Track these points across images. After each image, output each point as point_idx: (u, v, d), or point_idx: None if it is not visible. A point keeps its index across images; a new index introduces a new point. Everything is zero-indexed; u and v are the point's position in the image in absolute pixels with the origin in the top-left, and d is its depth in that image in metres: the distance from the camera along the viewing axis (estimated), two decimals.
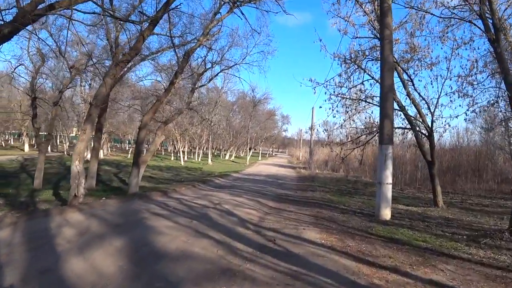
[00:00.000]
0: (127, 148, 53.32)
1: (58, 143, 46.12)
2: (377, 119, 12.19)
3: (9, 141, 51.22)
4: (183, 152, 42.27)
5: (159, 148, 64.49)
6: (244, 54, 17.83)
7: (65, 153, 36.64)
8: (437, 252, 5.33)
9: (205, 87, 36.97)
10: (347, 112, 12.47)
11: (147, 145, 32.62)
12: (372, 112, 12.73)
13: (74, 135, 47.66)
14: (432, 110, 10.25)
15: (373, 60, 11.10)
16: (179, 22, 14.03)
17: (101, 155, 35.50)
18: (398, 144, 19.42)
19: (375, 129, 12.27)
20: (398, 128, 11.79)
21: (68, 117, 26.98)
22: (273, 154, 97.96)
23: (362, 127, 12.84)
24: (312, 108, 34.04)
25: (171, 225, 6.26)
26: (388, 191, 8.36)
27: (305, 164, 40.36)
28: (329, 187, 16.31)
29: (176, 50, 12.98)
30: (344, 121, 12.62)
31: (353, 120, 12.83)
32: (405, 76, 10.70)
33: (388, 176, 8.39)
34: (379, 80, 9.49)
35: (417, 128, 11.09)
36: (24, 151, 36.42)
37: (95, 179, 13.83)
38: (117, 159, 34.05)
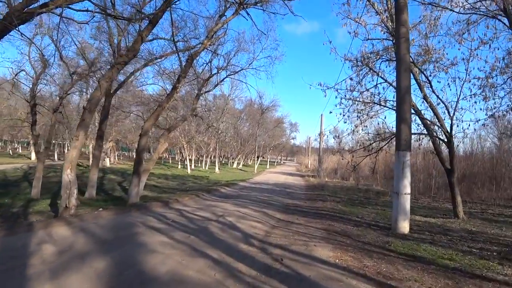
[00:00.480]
0: (134, 157, 53.13)
1: (66, 151, 46.09)
2: (391, 125, 11.49)
3: (18, 150, 51.45)
4: (190, 160, 41.85)
5: (166, 156, 64.31)
6: (251, 59, 17.37)
7: None
8: (468, 273, 4.59)
9: (212, 94, 36.65)
10: (359, 117, 11.79)
11: (150, 153, 32.29)
12: (385, 118, 12.21)
13: None
14: (451, 114, 9.49)
15: (387, 60, 10.41)
16: (184, 26, 13.59)
17: (108, 163, 35.28)
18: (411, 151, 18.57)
19: (388, 135, 11.56)
20: (414, 134, 11.05)
21: (71, 124, 26.70)
22: (282, 162, 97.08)
23: (375, 133, 12.13)
24: (321, 115, 33.40)
25: (166, 241, 5.61)
26: (407, 202, 7.62)
27: (314, 172, 39.51)
28: (339, 196, 15.52)
29: (180, 54, 12.49)
30: (356, 127, 11.92)
31: (365, 126, 12.11)
32: (421, 78, 9.98)
33: (407, 186, 7.66)
34: (395, 82, 8.84)
35: (435, 134, 10.33)
36: (31, 159, 36.34)
37: (96, 188, 13.31)
38: (124, 168, 33.72)
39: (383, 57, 11.24)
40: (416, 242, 6.49)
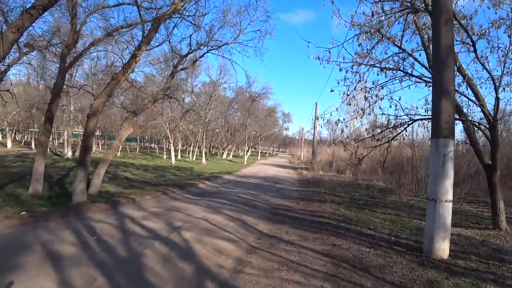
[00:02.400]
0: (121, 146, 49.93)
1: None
2: (409, 105, 8.95)
3: None
4: (176, 150, 39.09)
5: (153, 145, 61.32)
6: (237, 33, 14.55)
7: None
8: None
9: (201, 82, 33.74)
10: (367, 98, 9.25)
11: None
12: (399, 99, 9.43)
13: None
14: (498, 92, 6.95)
15: (416, 11, 7.61)
16: None
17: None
18: (420, 142, 16.14)
19: (404, 120, 9.07)
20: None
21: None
22: (274, 153, 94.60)
23: (392, 115, 9.57)
24: (316, 103, 30.85)
25: None
26: (447, 213, 5.17)
27: (307, 164, 37.08)
28: (339, 194, 13.04)
29: (142, 15, 9.79)
30: (363, 110, 9.39)
31: (373, 110, 9.57)
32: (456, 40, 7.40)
33: (448, 190, 5.19)
34: (416, 52, 6.30)
35: (469, 118, 7.86)
36: (6, 147, 33.27)
37: (42, 183, 10.63)
38: (103, 158, 30.88)
39: (400, 20, 8.66)
40: (469, 278, 4.08)
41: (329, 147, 39.53)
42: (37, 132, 41.42)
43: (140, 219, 6.52)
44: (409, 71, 8.90)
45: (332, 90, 9.32)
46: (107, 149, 43.30)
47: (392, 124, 9.13)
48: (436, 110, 5.35)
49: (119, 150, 37.95)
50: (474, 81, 7.29)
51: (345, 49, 15.45)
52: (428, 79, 8.08)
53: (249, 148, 51.56)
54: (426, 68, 8.62)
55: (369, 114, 9.42)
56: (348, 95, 9.24)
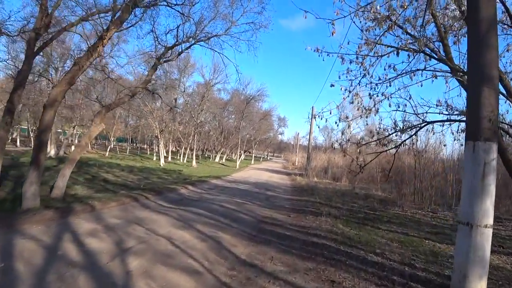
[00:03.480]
0: (112, 146, 47.94)
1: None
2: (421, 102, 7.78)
3: None
4: (167, 152, 37.57)
5: (145, 147, 59.38)
6: (229, 24, 13.19)
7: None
8: None
9: (195, 82, 32.35)
10: (372, 97, 7.90)
11: (106, 139, 27.64)
12: (410, 98, 8.04)
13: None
14: None
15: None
16: None
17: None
18: (430, 146, 14.83)
19: (415, 123, 7.75)
20: (450, 121, 7.37)
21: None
22: (268, 158, 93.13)
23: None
24: (312, 107, 29.51)
25: None
26: (487, 242, 3.82)
27: (302, 170, 35.69)
28: (335, 205, 11.65)
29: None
30: (368, 110, 8.01)
31: (378, 111, 8.22)
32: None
33: (489, 211, 3.84)
34: (464, 15, 5.00)
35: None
36: None
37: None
38: (90, 157, 29.39)
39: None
40: None
41: (324, 153, 38.28)
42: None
43: (85, 236, 5.07)
44: (421, 66, 7.59)
45: (332, 85, 7.88)
46: (97, 149, 41.67)
47: (400, 127, 7.82)
48: (474, 103, 4.00)
49: (108, 150, 36.35)
50: (506, 75, 5.94)
51: (353, 22, 13.93)
52: (451, 68, 6.71)
53: (243, 152, 50.05)
54: (443, 61, 7.30)
55: (375, 113, 8.04)
56: (350, 92, 7.88)
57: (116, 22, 8.21)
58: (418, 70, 7.37)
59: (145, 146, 62.06)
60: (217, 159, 48.40)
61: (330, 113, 7.48)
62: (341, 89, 7.64)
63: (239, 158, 42.60)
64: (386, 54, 7.41)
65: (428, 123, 7.50)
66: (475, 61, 4.09)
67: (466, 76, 5.25)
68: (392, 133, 7.85)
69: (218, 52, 13.14)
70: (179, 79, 37.40)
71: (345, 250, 5.55)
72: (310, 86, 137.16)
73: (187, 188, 13.39)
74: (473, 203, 3.83)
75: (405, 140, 7.84)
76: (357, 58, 7.59)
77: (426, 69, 7.32)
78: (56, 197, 8.42)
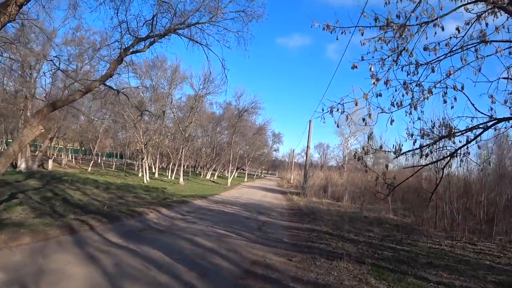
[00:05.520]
0: (98, 160, 44.78)
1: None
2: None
3: None
4: (153, 167, 34.65)
5: (135, 162, 55.57)
6: (215, 11, 10.69)
7: None
8: None
9: (185, 95, 29.99)
10: (407, 85, 5.31)
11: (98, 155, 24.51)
12: (462, 88, 5.41)
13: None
14: None
15: None
16: None
17: (50, 166, 27.24)
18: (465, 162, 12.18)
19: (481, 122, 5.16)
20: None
21: None
22: (262, 175, 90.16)
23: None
24: (310, 121, 27.09)
25: None
26: None
27: (298, 188, 32.94)
28: (348, 236, 8.90)
29: None
30: (397, 106, 5.38)
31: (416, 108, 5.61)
32: None
33: None
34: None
35: None
36: None
37: None
38: (68, 172, 26.62)
39: None
40: None
41: (321, 171, 35.68)
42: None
43: None
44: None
45: (354, 67, 5.32)
46: (82, 164, 38.63)
47: (455, 128, 5.22)
48: None
49: (91, 165, 33.27)
50: None
51: None
52: None
53: (235, 169, 47.15)
54: None
55: (415, 110, 5.43)
56: (378, 80, 5.31)
57: None
58: (484, 42, 4.83)
59: (134, 162, 58.76)
60: (208, 176, 45.47)
61: (356, 104, 4.84)
62: (370, 69, 5.06)
63: (231, 175, 39.69)
64: (440, 16, 4.88)
65: (500, 120, 4.90)
66: None
67: None
68: (444, 136, 5.23)
69: (199, 43, 10.63)
70: (169, 93, 34.74)
71: None
72: (306, 102, 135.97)
73: (159, 212, 10.58)
74: None
75: (462, 147, 5.21)
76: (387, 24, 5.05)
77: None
78: None
